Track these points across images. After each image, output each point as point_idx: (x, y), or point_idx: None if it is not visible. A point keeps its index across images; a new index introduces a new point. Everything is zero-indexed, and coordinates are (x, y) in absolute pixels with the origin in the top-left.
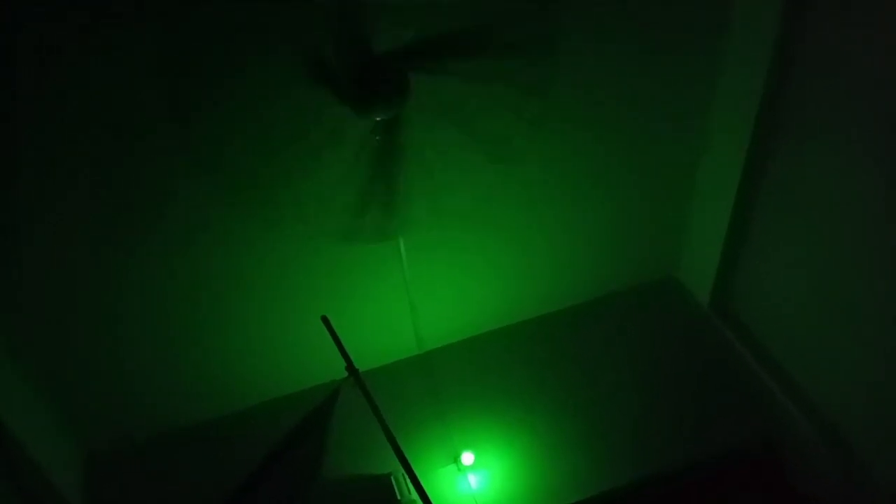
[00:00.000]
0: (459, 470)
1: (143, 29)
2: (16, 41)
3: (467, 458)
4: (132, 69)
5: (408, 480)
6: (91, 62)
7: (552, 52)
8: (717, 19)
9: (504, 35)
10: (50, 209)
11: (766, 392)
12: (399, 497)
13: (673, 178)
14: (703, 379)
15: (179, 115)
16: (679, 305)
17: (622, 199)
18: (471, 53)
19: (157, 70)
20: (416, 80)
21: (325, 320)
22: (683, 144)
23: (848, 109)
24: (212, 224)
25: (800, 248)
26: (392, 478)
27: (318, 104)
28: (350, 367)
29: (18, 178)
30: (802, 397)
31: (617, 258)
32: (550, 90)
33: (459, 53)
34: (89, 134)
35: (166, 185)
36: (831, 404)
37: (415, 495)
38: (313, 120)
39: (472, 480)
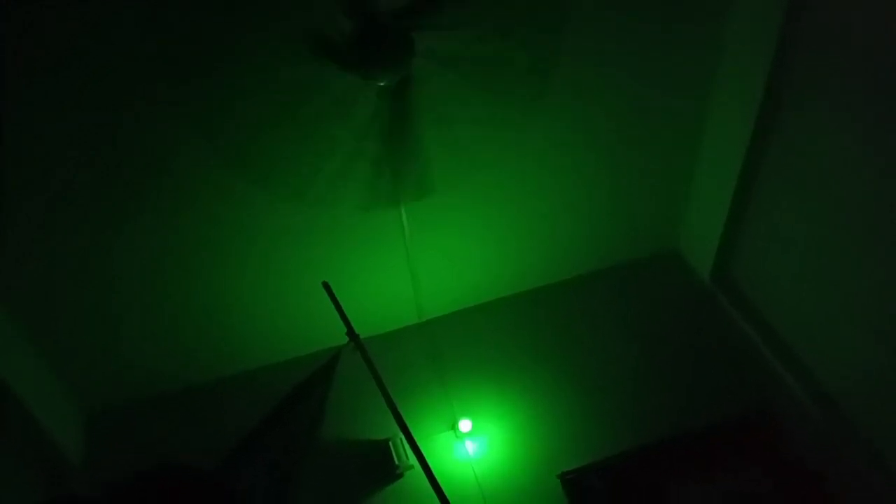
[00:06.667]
0: (457, 436)
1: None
2: None
3: (465, 425)
4: (123, 34)
5: (406, 446)
6: (79, 29)
7: (555, 22)
8: None
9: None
10: (48, 172)
11: (763, 362)
12: (397, 462)
13: (676, 150)
14: (701, 349)
15: (177, 79)
16: (680, 278)
17: (624, 171)
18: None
19: (152, 35)
20: (417, 52)
21: (325, 286)
22: (687, 116)
23: (852, 84)
24: (210, 188)
25: (800, 223)
26: (390, 443)
27: (322, 71)
28: (350, 331)
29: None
30: (799, 367)
31: (618, 230)
32: (552, 61)
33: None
34: (89, 97)
35: (163, 149)
36: (827, 374)
37: (412, 460)
38: (316, 87)
39: (470, 447)
